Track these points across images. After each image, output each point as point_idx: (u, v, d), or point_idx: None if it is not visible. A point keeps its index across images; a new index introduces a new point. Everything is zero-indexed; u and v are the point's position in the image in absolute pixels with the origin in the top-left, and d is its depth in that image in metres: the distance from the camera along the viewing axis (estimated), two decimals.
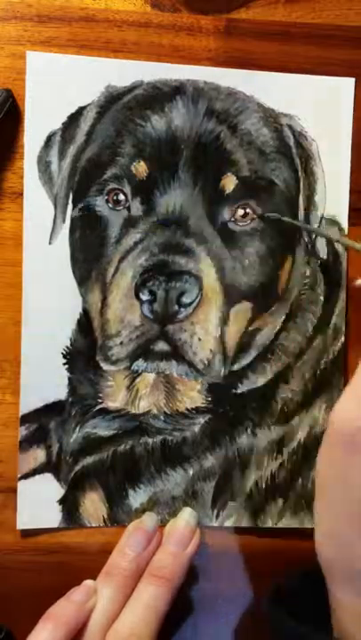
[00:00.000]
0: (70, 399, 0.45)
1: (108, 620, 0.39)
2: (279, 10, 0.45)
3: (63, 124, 0.44)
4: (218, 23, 0.44)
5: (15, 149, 0.44)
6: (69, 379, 0.45)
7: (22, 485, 0.44)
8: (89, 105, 0.44)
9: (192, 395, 0.45)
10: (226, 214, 0.43)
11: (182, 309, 0.42)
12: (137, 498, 0.45)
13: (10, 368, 0.44)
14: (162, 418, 0.45)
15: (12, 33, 0.44)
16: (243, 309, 0.44)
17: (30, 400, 0.44)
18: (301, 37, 0.45)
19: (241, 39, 0.45)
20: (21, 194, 0.44)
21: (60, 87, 0.44)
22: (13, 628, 0.44)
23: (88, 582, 0.41)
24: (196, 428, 0.45)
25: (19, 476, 0.44)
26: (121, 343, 0.43)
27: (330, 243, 0.45)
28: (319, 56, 0.45)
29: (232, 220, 0.43)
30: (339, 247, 0.46)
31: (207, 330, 0.42)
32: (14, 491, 0.44)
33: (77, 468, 0.45)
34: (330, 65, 0.45)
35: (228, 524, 0.45)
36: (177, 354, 0.42)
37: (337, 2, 0.45)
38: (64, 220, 0.44)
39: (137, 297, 0.42)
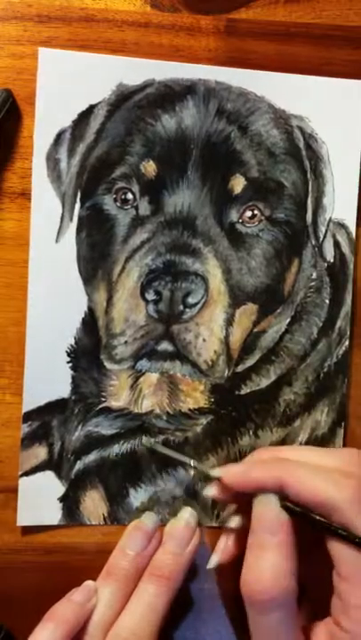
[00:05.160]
0: (73, 397, 0.44)
1: (108, 620, 0.39)
2: (279, 10, 0.45)
3: (73, 121, 0.44)
4: (218, 23, 0.44)
5: (15, 149, 0.44)
6: (73, 377, 0.44)
7: (23, 482, 0.44)
8: (100, 103, 0.44)
9: (195, 395, 0.45)
10: (234, 215, 0.43)
11: (187, 310, 0.42)
12: (138, 497, 0.45)
13: (10, 368, 0.44)
14: (164, 418, 0.45)
15: (11, 33, 0.44)
16: (248, 311, 0.44)
17: (33, 397, 0.44)
18: (301, 37, 0.45)
19: (241, 39, 0.45)
20: (22, 194, 0.44)
21: (71, 84, 0.43)
22: (13, 627, 0.44)
23: (88, 582, 0.41)
24: (199, 429, 0.45)
25: (20, 472, 0.44)
26: (125, 342, 0.43)
27: (337, 246, 0.46)
28: (319, 56, 0.45)
29: (240, 221, 0.43)
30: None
31: (212, 331, 0.42)
32: (15, 490, 0.44)
33: (79, 466, 0.45)
34: (330, 65, 0.45)
35: (229, 524, 0.45)
36: (181, 354, 0.42)
37: (337, 2, 0.45)
38: (71, 219, 0.44)
39: (142, 297, 0.42)
